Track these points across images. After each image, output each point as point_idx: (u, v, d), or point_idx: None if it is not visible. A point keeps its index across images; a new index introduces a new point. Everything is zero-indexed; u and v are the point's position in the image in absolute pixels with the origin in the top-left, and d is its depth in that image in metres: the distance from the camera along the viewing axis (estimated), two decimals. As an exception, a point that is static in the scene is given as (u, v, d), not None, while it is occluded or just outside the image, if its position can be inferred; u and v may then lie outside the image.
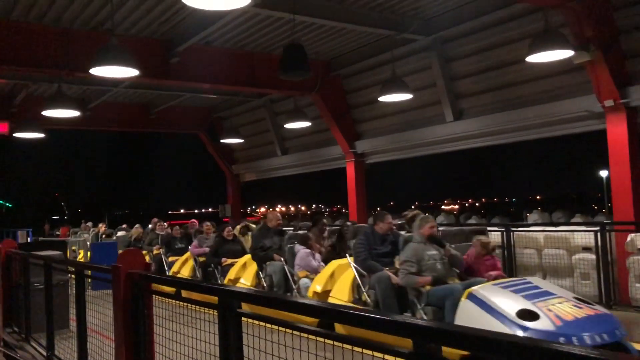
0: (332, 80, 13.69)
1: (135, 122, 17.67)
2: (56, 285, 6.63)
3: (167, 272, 10.92)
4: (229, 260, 9.68)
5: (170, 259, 11.50)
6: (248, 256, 9.58)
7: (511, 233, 8.82)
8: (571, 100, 9.84)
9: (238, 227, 11.54)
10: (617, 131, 9.09)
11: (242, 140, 16.69)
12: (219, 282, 9.30)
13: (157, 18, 10.32)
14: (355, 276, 6.97)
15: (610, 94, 8.93)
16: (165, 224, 13.29)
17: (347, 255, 7.35)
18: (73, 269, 6.09)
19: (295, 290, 7.88)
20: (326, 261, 7.94)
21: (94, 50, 8.30)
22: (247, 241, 10.51)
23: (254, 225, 11.69)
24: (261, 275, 8.68)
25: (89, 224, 17.51)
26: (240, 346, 2.90)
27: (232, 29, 10.97)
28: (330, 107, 13.85)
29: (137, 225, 14.74)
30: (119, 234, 15.49)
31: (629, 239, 7.71)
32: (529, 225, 11.23)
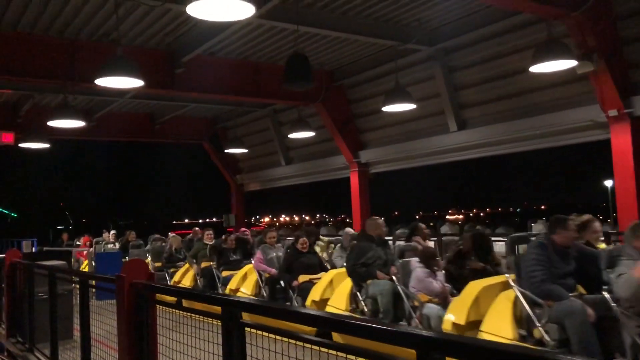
0: (335, 90, 13.74)
1: (140, 132, 17.75)
2: (60, 295, 6.64)
3: (219, 289, 9.52)
4: (306, 277, 8.00)
5: (225, 273, 9.91)
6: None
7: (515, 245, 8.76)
8: (575, 110, 9.85)
9: (233, 236, 10.74)
10: (621, 141, 9.08)
11: (246, 150, 16.73)
12: (294, 303, 7.69)
13: (162, 29, 10.39)
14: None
15: (614, 104, 8.93)
16: (207, 233, 11.38)
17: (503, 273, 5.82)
18: (77, 279, 6.10)
19: (416, 320, 6.10)
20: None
21: (99, 61, 8.36)
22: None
23: (325, 239, 10.47)
24: (359, 298, 6.93)
25: (112, 232, 16.21)
26: (243, 356, 2.90)
27: (236, 39, 11.04)
28: (334, 117, 13.89)
29: (173, 235, 13.47)
30: (147, 245, 14.22)
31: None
32: (533, 235, 11.15)
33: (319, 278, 7.85)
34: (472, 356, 1.85)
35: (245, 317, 3.00)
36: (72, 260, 13.53)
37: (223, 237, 10.81)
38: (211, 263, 10.32)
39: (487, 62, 11.09)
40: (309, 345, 2.51)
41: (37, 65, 10.38)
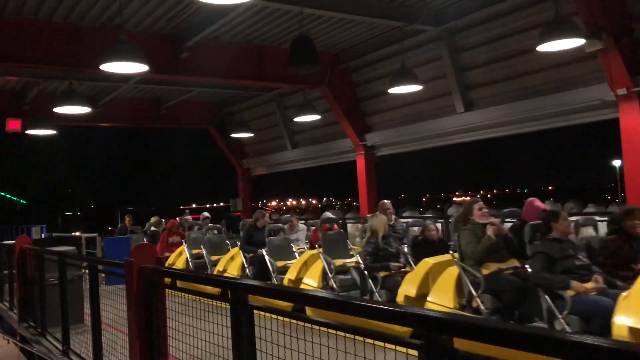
0: (341, 72, 13.65)
1: (146, 118, 17.74)
2: (70, 281, 6.71)
3: (274, 279, 8.73)
4: (397, 267, 7.00)
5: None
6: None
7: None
8: (583, 90, 9.74)
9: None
10: (630, 120, 8.98)
11: (251, 135, 16.71)
12: (380, 298, 6.74)
13: (165, 13, 10.33)
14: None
15: (623, 82, 8.82)
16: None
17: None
18: (87, 264, 6.15)
19: None
20: None
21: (103, 47, 8.34)
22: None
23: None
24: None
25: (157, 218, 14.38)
26: (252, 338, 2.92)
27: (240, 22, 10.97)
28: (339, 100, 13.82)
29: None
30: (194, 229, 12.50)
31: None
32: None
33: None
34: (478, 336, 1.85)
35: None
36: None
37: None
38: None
39: (493, 42, 10.96)
40: (317, 327, 2.52)
41: (42, 52, 10.36)
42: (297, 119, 13.64)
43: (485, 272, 5.48)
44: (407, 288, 6.35)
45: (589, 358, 1.52)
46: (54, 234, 20.75)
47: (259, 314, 2.91)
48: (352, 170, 14.81)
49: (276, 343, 2.83)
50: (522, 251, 5.67)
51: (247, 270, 9.26)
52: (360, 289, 7.28)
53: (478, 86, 11.71)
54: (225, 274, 9.13)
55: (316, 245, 8.58)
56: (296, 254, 9.16)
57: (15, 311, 8.34)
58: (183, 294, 3.83)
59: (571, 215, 10.36)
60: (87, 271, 6.10)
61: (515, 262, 5.62)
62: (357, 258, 7.52)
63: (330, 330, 2.42)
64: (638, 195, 8.96)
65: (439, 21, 10.85)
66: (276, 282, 8.37)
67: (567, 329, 4.70)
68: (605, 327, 4.30)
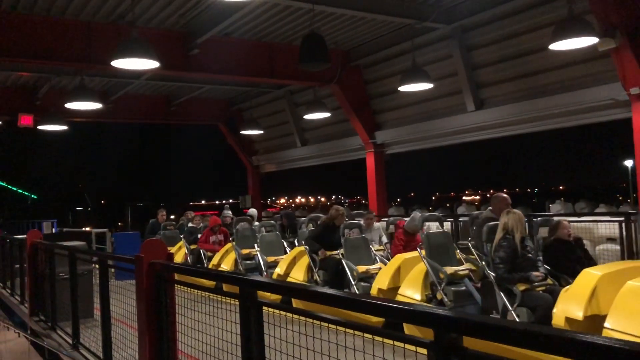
0: (351, 70, 13.63)
1: (156, 114, 17.83)
2: (80, 275, 6.75)
3: (353, 287, 7.33)
4: (539, 277, 5.52)
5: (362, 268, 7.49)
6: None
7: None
8: (595, 89, 9.66)
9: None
10: (643, 119, 8.89)
11: (261, 132, 16.72)
12: (519, 318, 5.38)
13: (177, 10, 10.36)
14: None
15: (637, 81, 8.72)
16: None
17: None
18: (97, 259, 6.19)
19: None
20: None
21: (115, 43, 8.38)
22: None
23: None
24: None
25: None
26: (261, 334, 2.93)
27: (251, 19, 10.98)
28: (349, 98, 13.80)
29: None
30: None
31: (654, 229, 7.58)
32: (551, 216, 11.08)
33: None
34: (487, 335, 1.84)
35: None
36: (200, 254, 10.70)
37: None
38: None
39: (505, 41, 10.89)
40: (326, 325, 2.52)
41: (54, 48, 10.43)
42: (307, 116, 13.63)
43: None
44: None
45: (598, 358, 1.51)
46: (64, 229, 20.89)
47: (273, 312, 2.92)
48: (362, 168, 14.80)
49: (284, 340, 2.83)
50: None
51: (316, 275, 7.81)
52: (481, 304, 6.09)
53: (489, 85, 11.64)
54: (289, 279, 7.88)
55: (418, 248, 6.86)
56: (377, 258, 7.77)
57: (26, 305, 8.41)
58: (192, 290, 3.84)
59: (582, 215, 10.30)
60: (97, 266, 6.13)
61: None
62: (469, 265, 6.51)
63: (339, 328, 2.42)
64: (650, 195, 8.89)
65: (451, 19, 10.80)
66: (357, 291, 7.08)
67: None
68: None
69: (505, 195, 6.78)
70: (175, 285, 3.99)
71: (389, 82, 13.12)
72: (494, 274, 5.58)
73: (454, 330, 1.93)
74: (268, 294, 3.29)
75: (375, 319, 5.15)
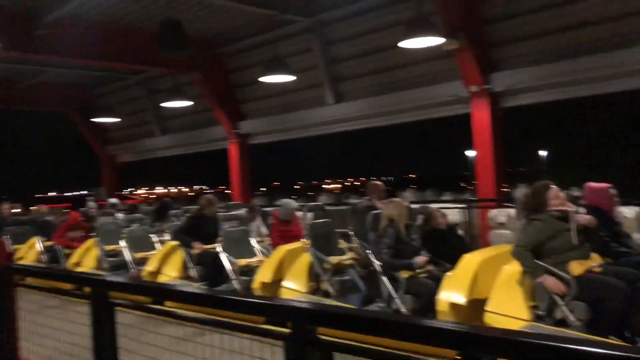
0: (214, 58, 13.36)
1: (-1, 98, 16.12)
2: None
3: (234, 282, 6.94)
4: (423, 262, 5.62)
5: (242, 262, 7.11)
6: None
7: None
8: (441, 85, 10.44)
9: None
10: (481, 115, 9.82)
11: (117, 120, 15.81)
12: (405, 305, 5.45)
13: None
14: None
15: (475, 80, 9.60)
16: None
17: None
18: None
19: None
20: None
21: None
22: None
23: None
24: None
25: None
26: (113, 336, 2.80)
27: (103, 1, 10.30)
28: (212, 87, 13.54)
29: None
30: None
31: (491, 214, 8.40)
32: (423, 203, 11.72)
33: None
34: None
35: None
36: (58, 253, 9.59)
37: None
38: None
39: (361, 37, 11.36)
40: (187, 323, 2.47)
41: None
42: (165, 105, 13.15)
43: (575, 273, 4.20)
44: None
45: (438, 340, 1.63)
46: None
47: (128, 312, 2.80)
48: (225, 158, 14.64)
49: (139, 340, 2.74)
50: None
51: (191, 271, 7.23)
52: (364, 293, 6.04)
53: (348, 79, 12.08)
54: (161, 277, 7.27)
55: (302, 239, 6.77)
56: (258, 250, 7.37)
57: None
58: (40, 292, 3.57)
59: (429, 202, 11.08)
60: None
61: (598, 259, 4.42)
62: (352, 254, 6.43)
63: (197, 325, 2.39)
64: (487, 183, 9.85)
65: (311, 12, 11.01)
66: (237, 287, 6.68)
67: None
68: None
69: (379, 182, 7.09)
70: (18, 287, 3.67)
71: (252, 72, 13.06)
72: (379, 262, 5.49)
73: (310, 322, 1.99)
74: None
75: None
